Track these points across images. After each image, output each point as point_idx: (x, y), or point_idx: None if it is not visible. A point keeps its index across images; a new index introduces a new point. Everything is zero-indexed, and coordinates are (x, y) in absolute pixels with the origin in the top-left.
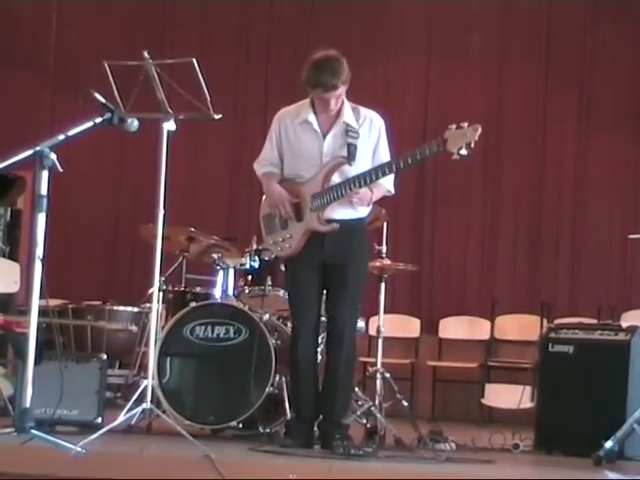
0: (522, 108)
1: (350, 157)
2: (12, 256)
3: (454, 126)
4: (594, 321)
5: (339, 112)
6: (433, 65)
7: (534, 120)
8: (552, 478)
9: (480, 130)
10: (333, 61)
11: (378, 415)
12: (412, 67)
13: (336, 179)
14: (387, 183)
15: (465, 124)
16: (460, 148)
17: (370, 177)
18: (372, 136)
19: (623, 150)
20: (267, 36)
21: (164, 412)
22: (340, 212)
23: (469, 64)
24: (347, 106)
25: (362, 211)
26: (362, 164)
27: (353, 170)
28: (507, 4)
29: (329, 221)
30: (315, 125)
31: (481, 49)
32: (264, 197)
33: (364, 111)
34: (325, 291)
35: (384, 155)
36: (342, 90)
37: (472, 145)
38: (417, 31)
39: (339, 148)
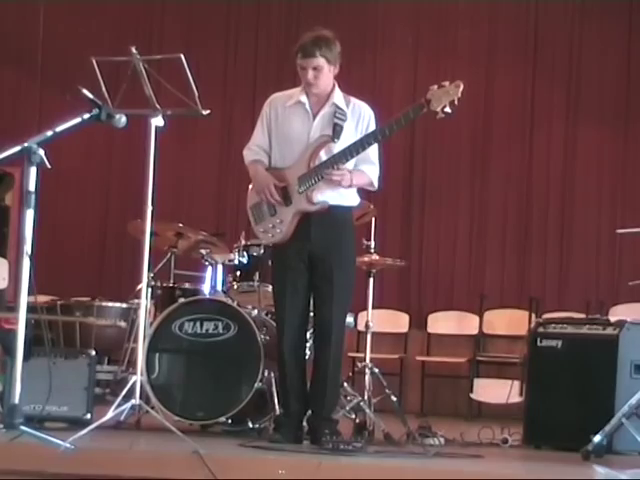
0: (510, 104)
1: (335, 135)
2: (0, 253)
3: (435, 86)
4: (582, 315)
5: (329, 95)
6: (421, 62)
7: (522, 116)
8: (541, 472)
9: (462, 86)
10: (323, 35)
11: (367, 410)
12: (400, 64)
13: (322, 158)
14: (372, 174)
15: (446, 82)
16: (444, 107)
17: (356, 148)
18: (361, 125)
19: (610, 145)
20: (255, 32)
21: (153, 408)
22: (328, 195)
23: (456, 61)
24: (338, 91)
25: (349, 199)
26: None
27: (338, 149)
28: (494, 1)
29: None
30: (307, 106)
31: (468, 46)
32: (250, 188)
33: (355, 100)
34: (312, 287)
35: (372, 147)
36: (322, 62)
37: (456, 102)
38: (405, 28)
39: (326, 129)
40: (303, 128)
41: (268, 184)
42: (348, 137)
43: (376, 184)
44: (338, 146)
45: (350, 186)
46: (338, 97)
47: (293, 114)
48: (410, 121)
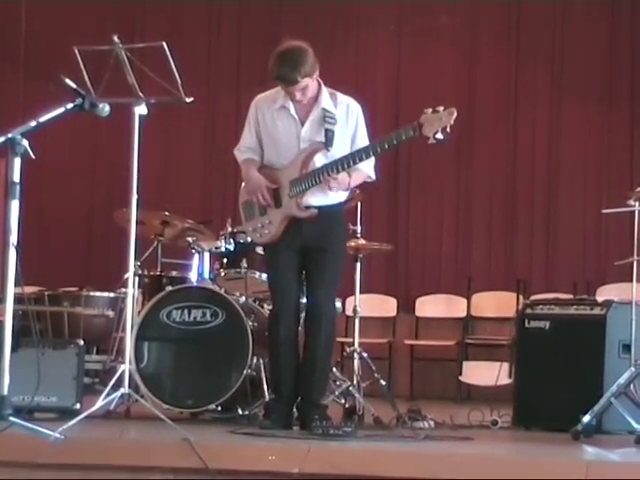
0: (494, 86)
1: (327, 142)
2: None
3: (430, 110)
4: (570, 296)
5: (316, 98)
6: (404, 47)
7: (506, 98)
8: (531, 453)
9: (456, 114)
10: (294, 53)
11: (356, 395)
12: (383, 49)
13: (315, 164)
14: (367, 168)
15: (441, 108)
16: (436, 132)
17: (348, 162)
18: (350, 122)
19: (595, 125)
20: (238, 19)
21: (142, 397)
22: (319, 198)
23: (440, 44)
24: (325, 92)
25: (340, 196)
26: (340, 149)
27: (331, 155)
28: None
29: (308, 207)
30: (292, 111)
31: (451, 29)
32: (243, 184)
33: (341, 97)
34: (304, 273)
35: (362, 141)
36: (305, 82)
37: (448, 129)
38: (387, 13)
39: (317, 134)
40: (291, 133)
41: (260, 186)
42: (339, 137)
43: (373, 175)
44: (331, 150)
45: (348, 189)
46: (326, 100)
47: (279, 118)
48: (401, 142)
